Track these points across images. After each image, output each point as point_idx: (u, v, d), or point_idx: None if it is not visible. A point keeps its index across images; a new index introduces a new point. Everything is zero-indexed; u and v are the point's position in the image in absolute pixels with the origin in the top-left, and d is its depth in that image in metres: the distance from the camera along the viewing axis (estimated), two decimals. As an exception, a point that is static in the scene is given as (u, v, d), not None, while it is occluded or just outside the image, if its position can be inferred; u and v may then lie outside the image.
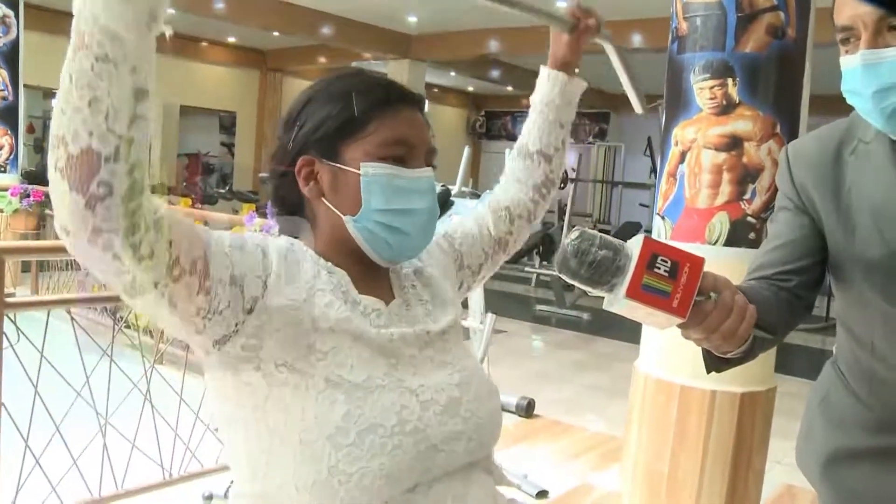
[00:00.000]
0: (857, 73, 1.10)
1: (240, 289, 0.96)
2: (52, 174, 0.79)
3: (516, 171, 1.41)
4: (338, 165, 1.06)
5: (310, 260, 1.06)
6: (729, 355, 1.11)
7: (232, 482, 1.08)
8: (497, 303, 6.63)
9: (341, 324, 1.01)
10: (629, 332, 5.99)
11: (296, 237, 1.11)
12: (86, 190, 0.78)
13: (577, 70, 1.43)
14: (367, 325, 1.04)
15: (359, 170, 1.05)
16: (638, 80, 1.44)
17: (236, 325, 0.96)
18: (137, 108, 0.80)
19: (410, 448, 0.98)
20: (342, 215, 1.07)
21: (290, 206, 1.13)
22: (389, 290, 1.13)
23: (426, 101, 1.16)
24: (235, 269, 0.96)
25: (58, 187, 0.79)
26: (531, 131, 1.41)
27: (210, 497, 3.02)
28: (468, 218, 1.35)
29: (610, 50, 1.44)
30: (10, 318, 2.44)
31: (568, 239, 0.96)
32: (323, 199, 1.08)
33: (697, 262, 0.95)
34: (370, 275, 1.11)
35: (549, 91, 1.40)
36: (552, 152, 1.41)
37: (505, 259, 1.39)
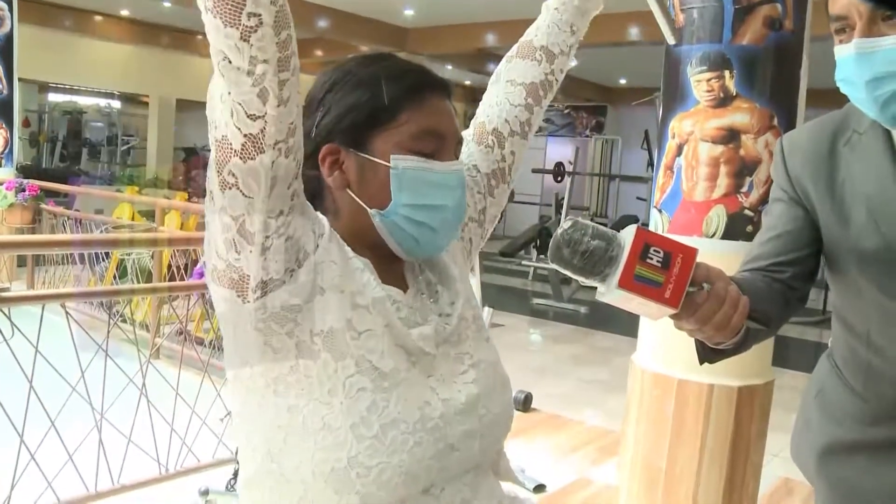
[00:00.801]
0: (851, 62, 1.10)
1: (306, 228, 0.95)
2: (204, 16, 0.84)
3: (510, 72, 1.30)
4: (366, 157, 1.02)
5: (341, 241, 1.02)
6: (722, 346, 1.11)
7: (235, 472, 1.05)
8: (494, 296, 6.63)
9: (377, 304, 0.98)
10: (627, 325, 5.99)
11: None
12: (238, 22, 0.82)
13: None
14: (394, 315, 1.00)
15: (389, 162, 1.01)
16: (669, 10, 1.36)
17: (286, 271, 0.93)
18: None
19: (430, 446, 0.96)
20: (369, 209, 1.02)
21: (309, 192, 1.04)
22: (403, 279, 1.10)
23: (452, 88, 1.11)
24: (307, 206, 0.96)
25: (212, 24, 0.84)
26: (538, 28, 1.31)
27: (206, 492, 3.02)
28: (470, 133, 1.28)
29: None
30: (4, 313, 2.43)
31: (561, 228, 0.96)
32: (348, 190, 1.04)
33: (690, 252, 0.95)
34: (389, 266, 1.07)
35: None
36: (557, 52, 1.30)
37: (510, 185, 1.29)
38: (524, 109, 1.29)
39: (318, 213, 1.01)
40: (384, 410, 0.94)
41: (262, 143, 0.86)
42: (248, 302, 0.93)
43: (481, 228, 1.26)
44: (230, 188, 0.89)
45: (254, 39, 0.83)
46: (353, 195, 1.03)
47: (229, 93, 0.85)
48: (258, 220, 0.89)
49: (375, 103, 1.02)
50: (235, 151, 0.87)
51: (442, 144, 1.04)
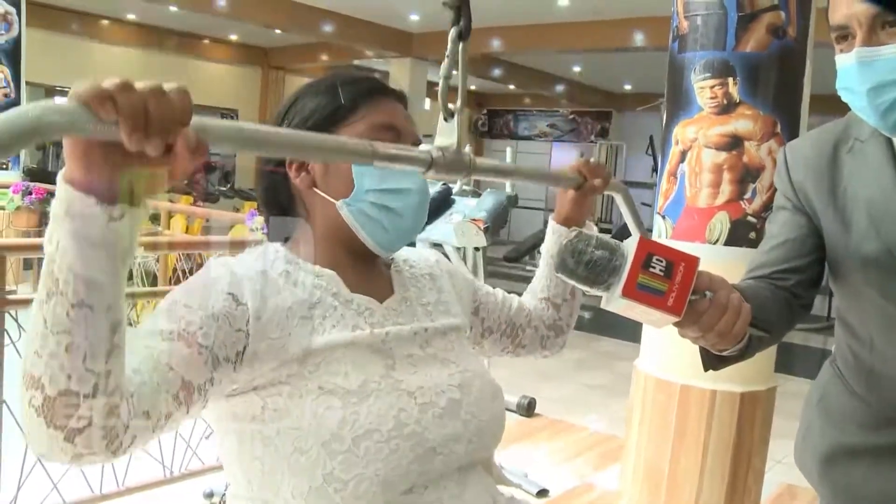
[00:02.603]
0: (852, 70, 1.11)
1: (227, 360, 0.96)
2: (26, 410, 0.77)
3: (530, 304, 1.40)
4: None
5: (292, 271, 1.05)
6: (725, 353, 1.12)
7: (228, 484, 1.08)
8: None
9: (332, 340, 1.01)
10: (630, 331, 5.98)
11: (286, 238, 1.11)
12: (65, 426, 0.76)
13: (583, 226, 1.38)
14: (361, 323, 1.04)
15: None
16: (642, 223, 1.43)
17: (229, 384, 0.97)
18: (114, 339, 0.78)
19: (408, 451, 0.97)
20: (335, 201, 1.07)
21: (281, 204, 1.13)
22: (389, 286, 1.13)
23: (407, 98, 1.18)
24: (216, 349, 0.95)
25: (33, 423, 0.77)
26: (540, 279, 1.41)
27: (211, 494, 3.03)
28: (498, 290, 1.35)
29: (619, 199, 1.43)
30: (11, 315, 2.44)
31: (565, 239, 0.97)
32: (315, 188, 1.08)
33: (692, 261, 0.97)
34: (366, 271, 1.11)
35: (553, 245, 1.38)
36: (560, 302, 1.39)
37: (506, 353, 1.37)
38: (547, 329, 1.38)
39: (240, 274, 1.01)
40: (355, 423, 0.96)
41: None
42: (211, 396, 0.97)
43: (479, 327, 1.30)
44: None
45: (79, 440, 0.78)
46: (319, 192, 1.08)
47: None
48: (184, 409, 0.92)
49: (334, 105, 1.09)
50: None
51: (399, 138, 1.09)
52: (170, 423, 0.89)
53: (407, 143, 1.10)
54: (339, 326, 1.03)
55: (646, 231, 1.44)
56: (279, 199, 1.13)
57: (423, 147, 1.06)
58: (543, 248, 1.41)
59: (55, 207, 0.74)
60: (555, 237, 1.38)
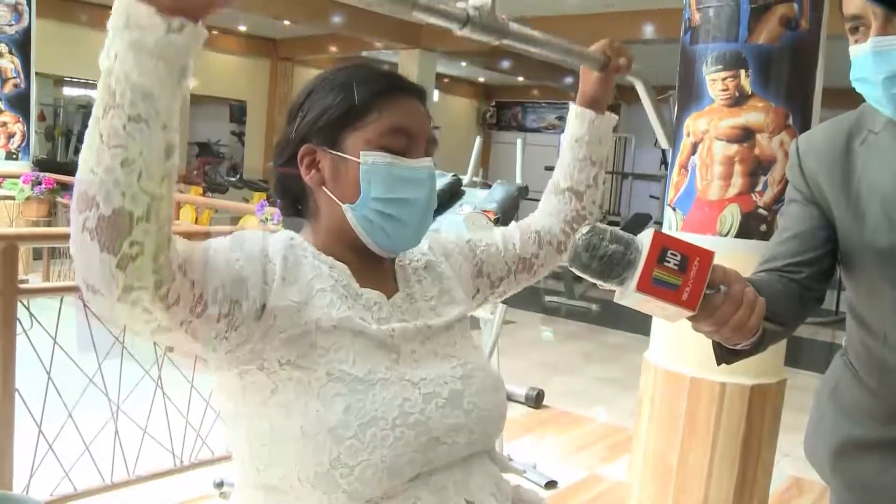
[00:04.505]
0: (867, 60, 1.11)
1: (252, 300, 0.97)
2: (79, 234, 0.78)
3: (548, 207, 1.41)
4: (338, 154, 1.07)
5: (310, 256, 1.07)
6: (739, 347, 1.12)
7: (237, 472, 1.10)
8: (506, 293, 6.59)
9: (343, 322, 1.02)
10: (639, 323, 5.99)
11: (299, 229, 1.13)
12: (117, 250, 0.77)
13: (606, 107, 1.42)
14: (368, 318, 1.05)
15: (359, 158, 1.06)
16: (665, 117, 1.44)
17: (248, 333, 0.97)
18: (167, 165, 0.79)
19: (412, 440, 0.99)
20: (341, 204, 1.08)
21: (293, 196, 1.14)
22: (393, 282, 1.14)
23: (426, 93, 1.16)
24: (245, 283, 0.97)
25: (86, 247, 0.78)
26: (562, 168, 1.41)
27: (221, 483, 3.05)
28: (496, 233, 1.35)
29: (640, 88, 1.44)
30: (23, 304, 2.46)
31: (579, 234, 0.98)
32: (324, 187, 1.09)
33: (707, 255, 0.96)
34: (372, 267, 1.12)
35: (577, 128, 1.40)
36: (583, 189, 1.40)
37: (530, 282, 1.39)
38: (562, 233, 1.40)
39: (269, 241, 1.04)
40: (360, 411, 0.97)
41: (165, 329, 0.88)
42: (219, 357, 0.98)
43: (490, 290, 1.32)
44: (171, 351, 0.97)
45: (130, 269, 0.79)
46: (328, 192, 1.09)
47: (110, 315, 0.84)
48: (199, 347, 0.94)
49: (347, 104, 1.08)
50: (150, 333, 0.89)
51: (411, 141, 1.09)
52: (204, 316, 0.90)
53: (420, 145, 1.10)
54: (350, 314, 1.04)
55: (668, 123, 1.45)
56: (292, 190, 1.14)
57: (460, 4, 1.06)
58: (566, 133, 1.41)
59: (113, 21, 0.76)
60: (578, 121, 1.40)
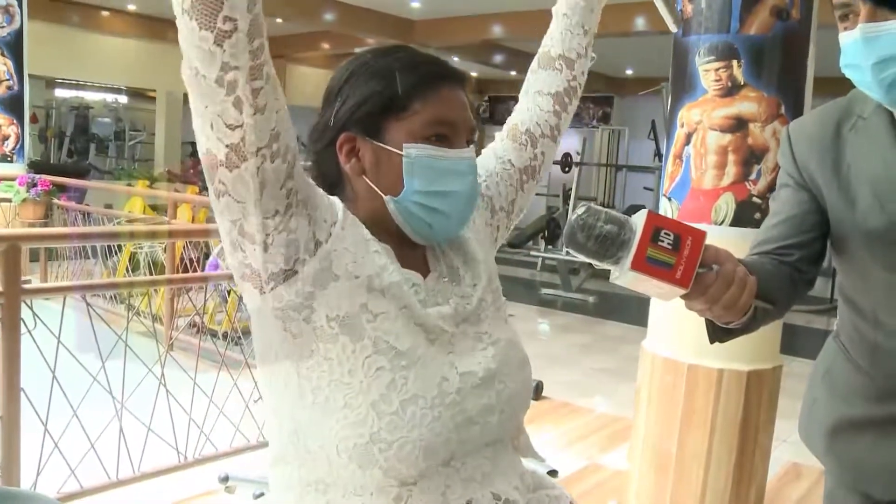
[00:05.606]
0: (856, 46, 1.14)
1: (311, 220, 0.98)
2: (179, 18, 0.85)
3: (536, 83, 1.35)
4: (380, 145, 1.06)
5: (360, 226, 1.06)
6: (731, 325, 1.15)
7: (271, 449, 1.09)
8: (503, 287, 6.59)
9: (393, 288, 1.02)
10: (635, 314, 6.00)
11: None
12: (213, 25, 0.84)
13: None
14: (411, 297, 1.05)
15: (401, 150, 1.05)
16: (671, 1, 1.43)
17: (295, 262, 0.97)
18: None
19: (448, 420, 1.00)
20: (383, 195, 1.07)
21: (329, 181, 1.11)
22: (425, 263, 1.14)
23: (469, 79, 1.15)
24: (312, 199, 0.98)
25: (186, 27, 0.85)
26: (552, 37, 1.35)
27: (226, 479, 3.07)
28: (489, 156, 1.31)
29: None
30: (27, 304, 2.48)
31: (575, 214, 1.00)
32: (364, 177, 1.08)
33: (699, 235, 1.00)
34: (408, 249, 1.11)
35: None
36: (574, 57, 1.34)
37: (538, 182, 1.34)
38: (553, 115, 1.34)
39: (335, 200, 1.05)
40: (403, 387, 0.98)
41: (243, 151, 0.90)
42: (265, 293, 0.99)
43: (508, 219, 1.30)
44: (223, 196, 0.94)
45: (227, 45, 0.84)
46: (369, 182, 1.08)
47: (206, 106, 0.89)
48: (254, 221, 0.94)
49: (389, 93, 1.05)
50: (221, 162, 0.91)
51: (454, 133, 1.08)
52: (276, 162, 0.92)
53: (462, 135, 1.09)
54: (400, 280, 1.04)
55: (674, 9, 1.41)
56: (329, 175, 1.12)
57: None
58: (556, 6, 1.36)
59: None
60: None
